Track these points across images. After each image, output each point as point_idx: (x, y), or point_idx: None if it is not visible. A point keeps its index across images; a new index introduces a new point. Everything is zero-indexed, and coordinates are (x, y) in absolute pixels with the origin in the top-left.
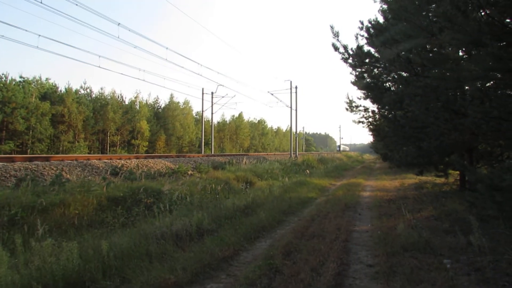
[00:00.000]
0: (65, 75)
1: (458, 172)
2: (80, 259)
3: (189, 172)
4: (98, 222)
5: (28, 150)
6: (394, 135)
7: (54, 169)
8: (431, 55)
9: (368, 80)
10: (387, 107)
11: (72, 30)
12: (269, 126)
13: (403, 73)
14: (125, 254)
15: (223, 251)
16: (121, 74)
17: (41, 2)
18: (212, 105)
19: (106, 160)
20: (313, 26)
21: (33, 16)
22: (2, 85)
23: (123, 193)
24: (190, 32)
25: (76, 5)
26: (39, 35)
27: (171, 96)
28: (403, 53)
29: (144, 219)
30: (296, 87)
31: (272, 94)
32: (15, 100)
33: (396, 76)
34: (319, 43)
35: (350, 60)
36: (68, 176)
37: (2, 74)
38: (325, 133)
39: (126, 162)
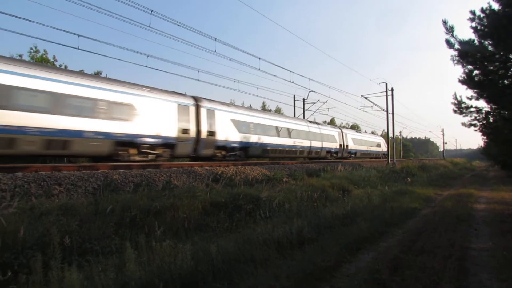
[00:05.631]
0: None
1: None
2: (192, 260)
3: (284, 179)
4: (203, 226)
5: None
6: None
7: (164, 175)
8: None
9: (481, 77)
10: (508, 107)
11: (173, 48)
12: (362, 131)
13: None
14: (232, 258)
15: (325, 261)
16: (217, 85)
17: (149, 26)
18: (303, 111)
19: (207, 168)
20: (411, 23)
21: (142, 39)
22: None
23: (224, 199)
24: (282, 40)
25: (178, 25)
26: (148, 56)
27: (263, 104)
28: None
29: (245, 225)
30: (392, 89)
31: (366, 98)
32: None
33: None
34: (416, 41)
35: (469, 57)
36: (175, 182)
37: None
38: (425, 137)
39: (225, 169)
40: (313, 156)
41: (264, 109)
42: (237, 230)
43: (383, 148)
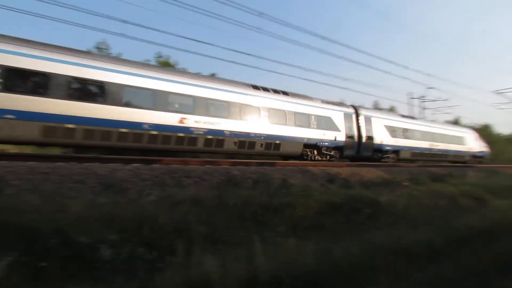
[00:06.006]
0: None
1: None
2: (315, 259)
3: (405, 183)
4: (320, 226)
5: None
6: None
7: (279, 173)
8: None
9: None
10: None
11: (280, 48)
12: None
13: None
14: (356, 261)
15: (468, 280)
16: (326, 84)
17: (259, 28)
18: (422, 110)
19: (321, 167)
20: None
21: (251, 41)
22: None
23: (340, 200)
24: (395, 35)
25: (286, 26)
26: (258, 57)
27: (375, 103)
28: None
29: (365, 229)
30: None
31: (500, 93)
32: None
33: None
34: None
35: None
36: (291, 180)
37: None
38: None
39: (340, 170)
40: (270, 152)
41: (376, 108)
42: (356, 233)
43: (473, 146)
